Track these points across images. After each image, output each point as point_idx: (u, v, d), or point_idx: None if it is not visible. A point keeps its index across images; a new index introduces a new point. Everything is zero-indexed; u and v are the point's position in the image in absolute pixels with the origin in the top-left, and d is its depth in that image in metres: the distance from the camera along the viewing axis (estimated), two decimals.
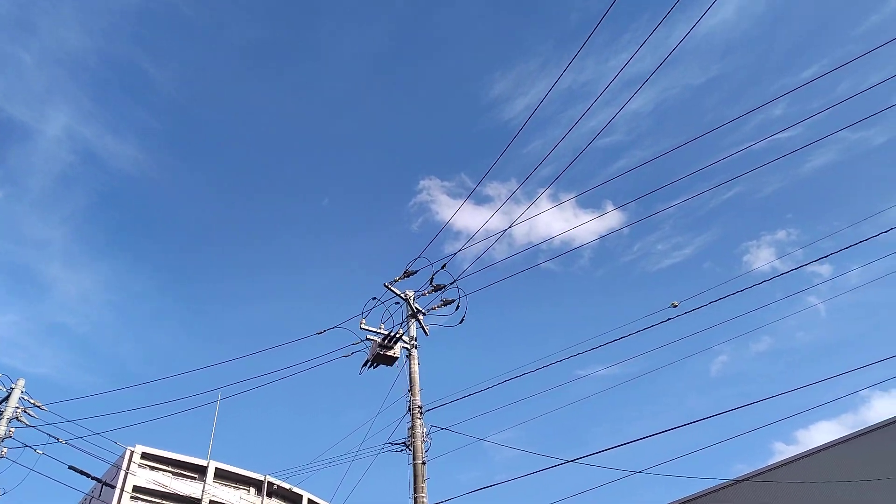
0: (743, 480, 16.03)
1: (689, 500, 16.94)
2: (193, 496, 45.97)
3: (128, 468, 43.14)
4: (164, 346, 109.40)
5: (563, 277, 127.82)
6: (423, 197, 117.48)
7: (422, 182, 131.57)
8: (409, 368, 12.99)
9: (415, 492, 11.31)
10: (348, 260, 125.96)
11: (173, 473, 47.22)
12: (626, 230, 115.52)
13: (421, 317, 13.79)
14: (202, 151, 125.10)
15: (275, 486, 50.63)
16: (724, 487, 16.30)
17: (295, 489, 50.27)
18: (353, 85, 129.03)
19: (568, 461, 12.03)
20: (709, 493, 16.57)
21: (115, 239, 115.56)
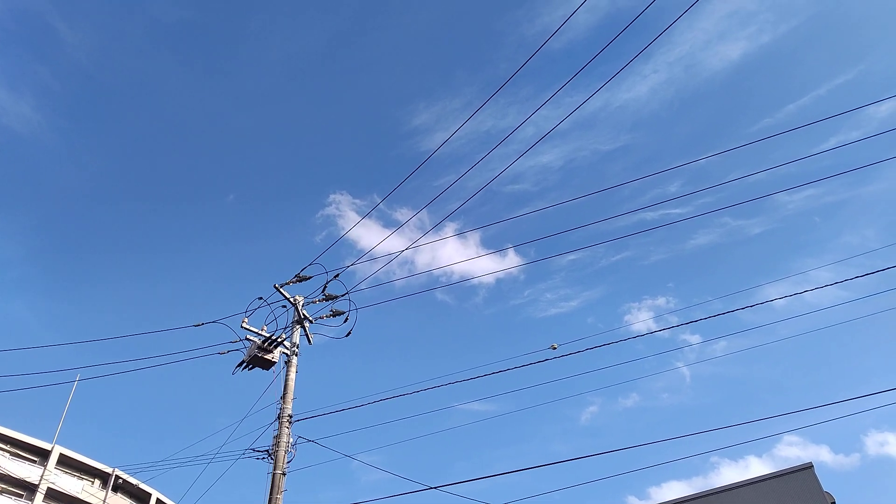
0: None
1: None
2: (29, 481, 42.36)
3: None
4: (21, 322, 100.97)
5: (456, 310, 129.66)
6: (331, 210, 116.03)
7: (332, 195, 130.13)
8: (286, 375, 12.64)
9: (269, 502, 10.95)
10: (242, 258, 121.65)
11: (10, 453, 43.39)
12: (521, 276, 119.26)
13: (307, 324, 13.49)
14: (102, 122, 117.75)
15: (121, 481, 47.54)
16: None
17: (143, 486, 47.38)
18: (276, 85, 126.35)
19: (432, 487, 12.04)
20: None
21: None
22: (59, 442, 45.46)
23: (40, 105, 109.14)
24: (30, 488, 42.46)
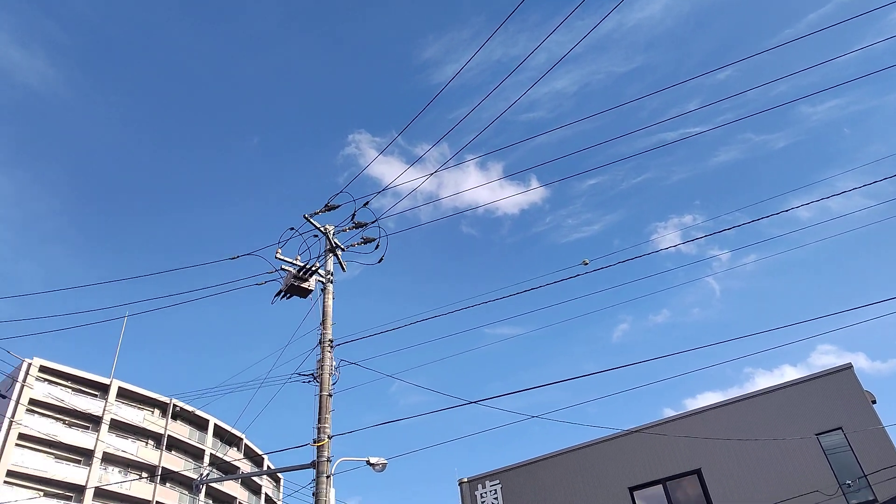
0: (635, 431, 17.03)
1: (584, 447, 17.89)
2: (93, 413, 44.95)
3: (24, 380, 41.57)
4: (66, 269, 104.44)
5: (481, 242, 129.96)
6: (351, 149, 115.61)
7: (351, 135, 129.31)
8: (323, 302, 12.90)
9: (319, 422, 11.40)
10: (269, 197, 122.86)
11: (73, 389, 45.89)
12: (543, 203, 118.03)
13: (339, 252, 13.63)
14: (115, 73, 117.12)
15: (179, 409, 50.11)
16: (618, 437, 17.28)
17: (199, 412, 49.90)
18: (282, 27, 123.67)
19: (472, 402, 12.39)
20: (603, 441, 17.53)
21: (18, 154, 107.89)
22: (116, 376, 47.87)
23: (53, 60, 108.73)
24: (94, 420, 45.10)
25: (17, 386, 41.14)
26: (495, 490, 18.33)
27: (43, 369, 44.42)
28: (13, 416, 40.44)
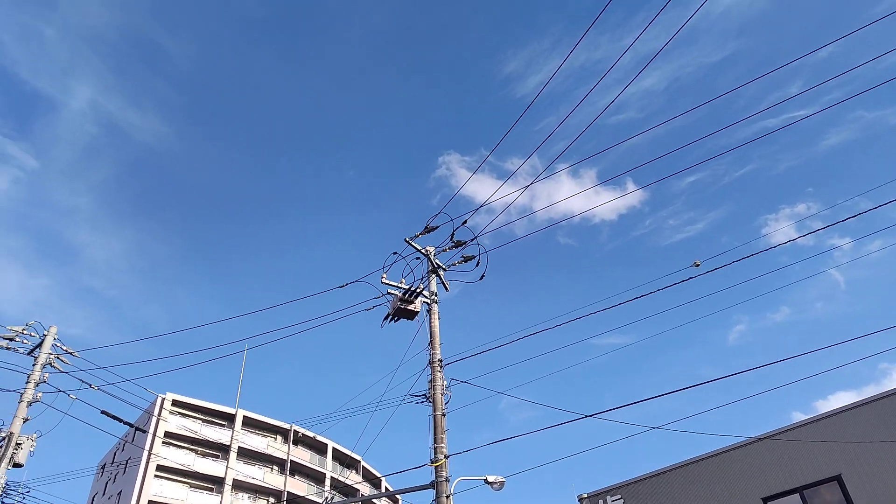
0: (765, 438, 16.04)
1: (711, 456, 17.03)
2: (223, 442, 47.49)
3: (159, 414, 44.56)
4: (188, 308, 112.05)
5: (579, 251, 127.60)
6: (442, 171, 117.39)
7: (441, 158, 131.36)
8: (430, 323, 13.08)
9: (435, 442, 11.51)
10: (369, 225, 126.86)
11: (203, 420, 48.70)
12: (641, 206, 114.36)
13: (441, 272, 13.81)
14: (220, 121, 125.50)
15: (300, 434, 52.05)
16: (747, 444, 16.33)
17: (320, 438, 51.61)
18: (366, 61, 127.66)
19: (587, 416, 12.13)
20: (732, 449, 16.62)
21: (140, 206, 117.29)
22: (240, 406, 50.42)
23: (164, 117, 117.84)
24: (223, 449, 47.63)
25: (154, 420, 44.16)
26: None
27: (175, 403, 47.53)
28: (151, 448, 43.41)
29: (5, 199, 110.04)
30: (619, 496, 17.83)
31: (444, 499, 10.85)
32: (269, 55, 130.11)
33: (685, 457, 17.46)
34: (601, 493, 18.23)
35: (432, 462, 11.22)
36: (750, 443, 16.26)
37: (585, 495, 18.47)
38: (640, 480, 17.89)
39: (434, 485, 11.08)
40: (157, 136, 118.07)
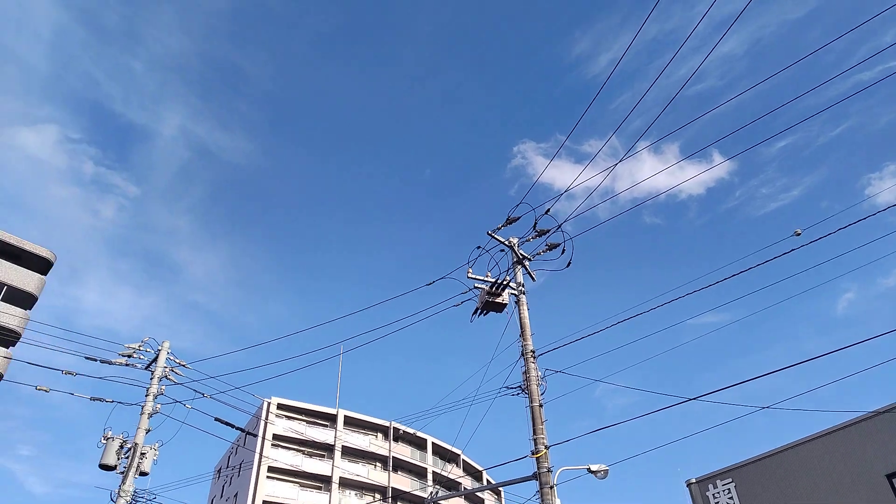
0: (885, 412, 15.06)
1: (827, 434, 16.17)
2: (327, 442, 49.19)
3: (266, 418, 46.64)
4: (284, 315, 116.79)
5: (667, 230, 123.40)
6: (517, 161, 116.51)
7: (515, 147, 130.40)
8: (519, 314, 13.06)
9: (534, 433, 11.50)
10: (450, 221, 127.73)
11: (307, 422, 50.59)
12: (730, 178, 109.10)
13: (526, 262, 13.74)
14: (299, 133, 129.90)
15: (400, 431, 53.14)
16: (867, 418, 15.38)
17: (419, 434, 52.53)
18: (433, 59, 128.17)
19: (690, 399, 11.78)
20: (850, 424, 15.70)
21: (233, 222, 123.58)
22: (340, 406, 52.04)
23: (249, 136, 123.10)
24: (328, 448, 49.32)
25: (262, 424, 46.28)
26: (728, 489, 17.13)
27: (280, 406, 49.61)
28: (262, 450, 45.52)
29: (113, 227, 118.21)
30: (730, 479, 17.21)
31: (548, 489, 10.83)
32: (341, 65, 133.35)
33: (794, 437, 16.60)
34: (710, 477, 17.66)
35: (533, 453, 11.22)
36: (869, 417, 15.30)
37: (694, 480, 17.94)
38: (751, 463, 17.19)
39: (536, 476, 11.07)
40: (243, 154, 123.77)
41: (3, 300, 37.47)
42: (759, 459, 17.11)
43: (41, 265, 40.82)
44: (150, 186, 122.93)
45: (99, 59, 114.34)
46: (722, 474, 17.47)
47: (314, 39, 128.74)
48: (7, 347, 37.26)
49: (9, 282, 37.93)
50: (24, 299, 38.96)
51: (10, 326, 36.68)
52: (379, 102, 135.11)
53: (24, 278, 38.86)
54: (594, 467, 12.90)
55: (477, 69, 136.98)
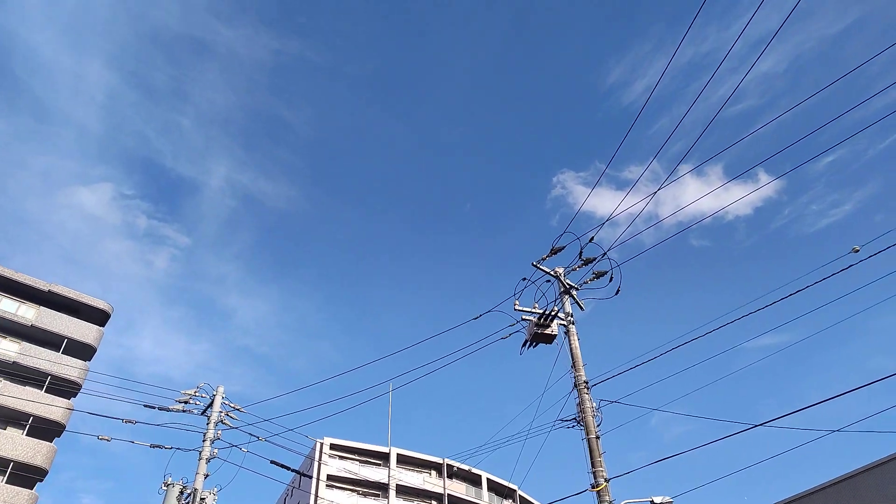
0: None
1: None
2: (381, 481, 48.87)
3: (320, 459, 46.67)
4: (332, 355, 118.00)
5: (715, 252, 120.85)
6: (558, 191, 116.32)
7: (555, 177, 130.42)
8: (570, 345, 12.88)
9: (592, 466, 11.23)
10: (493, 254, 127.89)
11: (360, 461, 50.43)
12: (778, 196, 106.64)
13: (574, 292, 13.60)
14: (340, 177, 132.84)
15: (454, 468, 52.49)
16: None
17: (474, 470, 51.78)
18: (471, 94, 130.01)
19: (755, 426, 11.37)
20: None
21: (280, 267, 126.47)
22: (392, 444, 51.77)
23: (292, 182, 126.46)
24: (382, 487, 48.97)
25: (316, 465, 46.33)
26: None
27: (333, 447, 49.62)
28: (317, 491, 45.47)
29: (166, 277, 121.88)
30: None
31: None
32: (379, 108, 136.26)
33: (866, 461, 15.77)
34: None
35: (593, 487, 10.94)
36: None
37: None
38: (821, 489, 16.39)
39: None
40: (287, 200, 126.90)
41: (63, 352, 38.76)
42: (831, 485, 16.30)
43: (99, 317, 42.19)
44: (199, 236, 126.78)
45: (149, 117, 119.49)
46: (796, 500, 16.68)
47: (352, 85, 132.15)
48: (68, 398, 38.40)
49: (69, 334, 39.25)
50: (83, 351, 40.24)
51: (71, 378, 37.85)
52: (417, 141, 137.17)
53: (83, 330, 40.18)
54: (657, 499, 12.51)
55: (513, 102, 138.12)
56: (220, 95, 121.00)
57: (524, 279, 13.43)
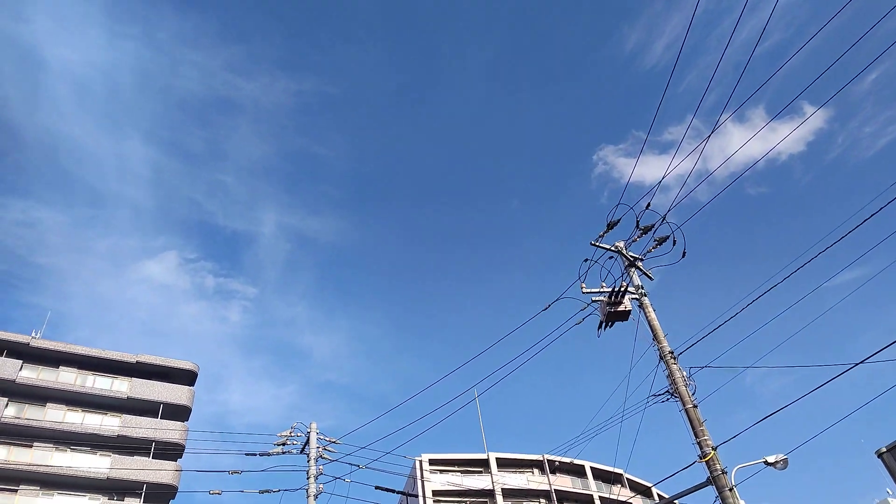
0: None
1: None
2: (485, 488, 48.77)
3: (422, 477, 46.97)
4: (412, 373, 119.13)
5: (775, 196, 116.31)
6: (600, 168, 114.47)
7: (595, 155, 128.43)
8: (647, 317, 12.55)
9: (696, 436, 10.87)
10: (549, 244, 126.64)
11: (461, 472, 50.50)
12: (823, 125, 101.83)
13: (639, 263, 13.27)
14: (382, 199, 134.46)
15: (556, 463, 51.95)
16: None
17: (575, 461, 51.11)
18: (493, 89, 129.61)
19: (854, 364, 10.79)
20: None
21: (344, 297, 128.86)
22: (489, 449, 51.66)
23: (338, 215, 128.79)
24: (488, 494, 48.86)
25: (419, 483, 46.65)
26: None
27: (432, 462, 49.87)
28: None
29: (241, 329, 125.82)
30: None
31: (728, 492, 10.13)
32: (406, 121, 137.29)
33: None
34: None
35: (701, 458, 10.59)
36: None
37: (884, 449, 16.35)
38: None
39: (711, 480, 10.41)
40: (337, 232, 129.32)
41: (161, 417, 40.37)
42: None
43: (188, 378, 43.79)
44: (264, 283, 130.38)
45: (194, 182, 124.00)
46: None
47: (373, 108, 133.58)
48: (175, 461, 39.92)
49: (163, 399, 40.87)
50: (180, 412, 41.81)
51: (174, 440, 39.36)
52: (448, 149, 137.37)
53: (175, 393, 41.77)
54: (771, 459, 12.02)
55: (536, 91, 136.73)
56: (254, 147, 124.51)
57: (586, 260, 13.19)
